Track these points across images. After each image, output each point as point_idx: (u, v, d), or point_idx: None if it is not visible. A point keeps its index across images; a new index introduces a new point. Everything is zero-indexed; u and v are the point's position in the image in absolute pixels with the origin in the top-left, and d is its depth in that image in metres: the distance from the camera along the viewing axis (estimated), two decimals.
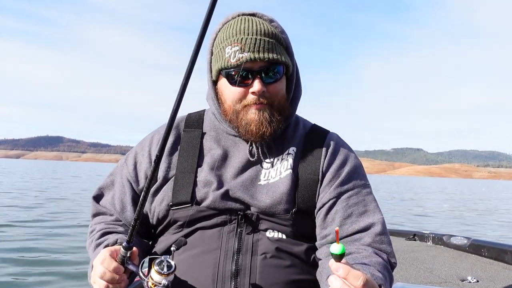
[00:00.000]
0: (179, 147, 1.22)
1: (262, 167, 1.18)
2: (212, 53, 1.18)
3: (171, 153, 1.21)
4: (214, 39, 1.17)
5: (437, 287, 2.37)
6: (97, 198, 1.26)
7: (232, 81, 1.12)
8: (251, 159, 1.17)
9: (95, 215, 1.25)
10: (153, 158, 1.20)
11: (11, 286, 4.67)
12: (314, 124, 1.30)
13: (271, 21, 1.16)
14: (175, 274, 0.96)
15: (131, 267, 0.99)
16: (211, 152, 1.20)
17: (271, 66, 1.11)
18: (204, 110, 1.32)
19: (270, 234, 1.11)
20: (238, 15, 1.17)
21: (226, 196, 1.12)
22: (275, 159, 1.18)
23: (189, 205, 1.12)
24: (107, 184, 1.26)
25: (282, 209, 1.11)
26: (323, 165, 1.17)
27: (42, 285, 4.73)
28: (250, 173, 1.16)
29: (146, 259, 1.06)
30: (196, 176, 1.15)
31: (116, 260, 0.99)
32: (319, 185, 1.16)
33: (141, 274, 0.96)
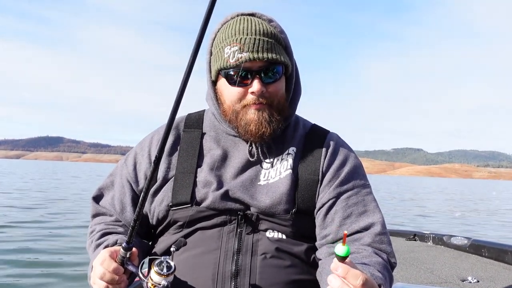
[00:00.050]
0: (178, 148, 1.22)
1: (262, 167, 1.18)
2: (211, 53, 1.18)
3: (170, 154, 1.21)
4: (213, 39, 1.17)
5: (438, 287, 2.37)
6: (97, 198, 1.26)
7: (231, 81, 1.12)
8: (250, 159, 1.17)
9: (95, 215, 1.25)
10: (153, 158, 1.19)
11: (10, 287, 4.66)
12: (314, 124, 1.30)
13: (270, 21, 1.16)
14: (175, 275, 0.96)
15: (130, 267, 0.99)
16: (211, 153, 1.20)
17: (270, 66, 1.11)
18: (203, 110, 1.31)
19: (270, 234, 1.11)
20: (237, 15, 1.17)
21: (226, 196, 1.11)
22: (275, 159, 1.18)
23: (189, 205, 1.12)
24: (106, 184, 1.26)
25: (282, 209, 1.11)
26: (323, 165, 1.17)
27: (42, 286, 4.72)
28: (250, 173, 1.16)
29: (146, 260, 1.06)
30: (196, 177, 1.15)
31: (115, 261, 0.99)
32: (319, 185, 1.15)
33: (140, 275, 0.96)
